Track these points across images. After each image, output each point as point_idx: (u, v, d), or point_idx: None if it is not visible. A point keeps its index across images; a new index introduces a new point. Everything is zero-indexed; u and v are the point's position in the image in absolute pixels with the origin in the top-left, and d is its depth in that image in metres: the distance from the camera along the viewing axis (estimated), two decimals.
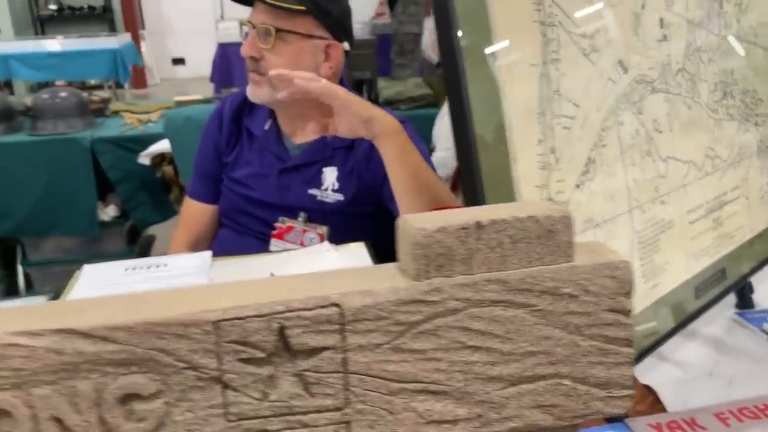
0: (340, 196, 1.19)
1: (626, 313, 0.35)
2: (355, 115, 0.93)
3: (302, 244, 1.20)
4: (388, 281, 0.34)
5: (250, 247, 1.21)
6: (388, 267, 0.36)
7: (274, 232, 1.20)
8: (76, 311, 0.32)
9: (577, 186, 0.62)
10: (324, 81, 0.92)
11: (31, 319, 0.32)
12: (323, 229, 1.20)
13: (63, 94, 2.20)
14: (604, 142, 0.65)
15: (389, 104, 2.35)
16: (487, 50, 0.53)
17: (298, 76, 0.91)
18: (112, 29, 6.99)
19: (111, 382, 0.32)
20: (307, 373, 0.33)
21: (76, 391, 0.32)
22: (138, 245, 2.49)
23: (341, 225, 1.20)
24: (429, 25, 2.08)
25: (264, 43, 1.11)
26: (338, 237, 1.18)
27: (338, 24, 1.15)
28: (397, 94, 2.55)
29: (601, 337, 0.35)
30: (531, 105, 0.57)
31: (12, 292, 2.30)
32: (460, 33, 0.50)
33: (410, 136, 1.16)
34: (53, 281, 2.35)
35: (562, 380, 0.36)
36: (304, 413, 0.34)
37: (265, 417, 0.33)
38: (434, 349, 0.34)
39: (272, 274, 1.03)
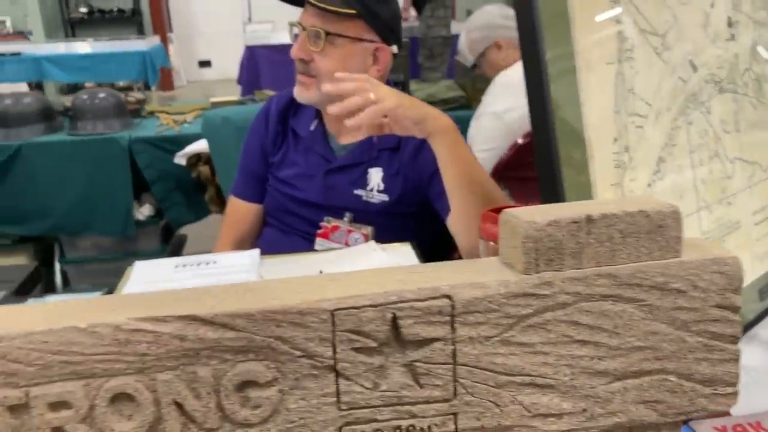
0: (385, 197, 1.20)
1: (734, 309, 0.35)
2: (408, 118, 0.93)
3: (347, 244, 1.21)
4: (497, 274, 0.34)
5: (295, 246, 1.22)
6: (490, 261, 0.37)
7: (320, 232, 1.21)
8: (193, 299, 0.33)
9: (649, 185, 0.62)
10: (373, 97, 0.92)
11: (153, 306, 0.32)
12: (368, 230, 1.20)
13: (102, 95, 2.24)
14: (674, 142, 0.64)
15: None
16: (567, 47, 0.53)
17: (366, 114, 0.90)
18: (141, 32, 7.10)
19: (229, 369, 0.32)
20: (417, 364, 0.34)
21: (197, 377, 0.32)
22: (171, 244, 2.52)
23: (386, 225, 1.20)
24: (466, 27, 2.07)
25: (313, 46, 1.12)
26: (382, 237, 1.18)
27: (388, 27, 1.16)
28: (429, 96, 2.55)
29: (707, 333, 0.35)
30: (607, 103, 0.57)
31: (48, 289, 2.34)
32: (541, 30, 0.50)
33: None
34: (89, 278, 2.39)
35: (667, 376, 0.36)
36: (413, 404, 0.34)
37: (375, 406, 0.34)
38: (542, 343, 0.34)
39: (321, 272, 1.03)
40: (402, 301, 0.33)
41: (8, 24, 7.12)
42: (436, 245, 1.32)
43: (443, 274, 0.34)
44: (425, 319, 0.33)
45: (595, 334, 0.34)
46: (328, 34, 1.11)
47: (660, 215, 0.34)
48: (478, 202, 0.96)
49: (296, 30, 1.17)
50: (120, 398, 0.32)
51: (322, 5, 1.10)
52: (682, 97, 0.65)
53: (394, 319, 0.33)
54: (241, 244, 1.30)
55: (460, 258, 1.29)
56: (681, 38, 0.65)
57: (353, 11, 1.11)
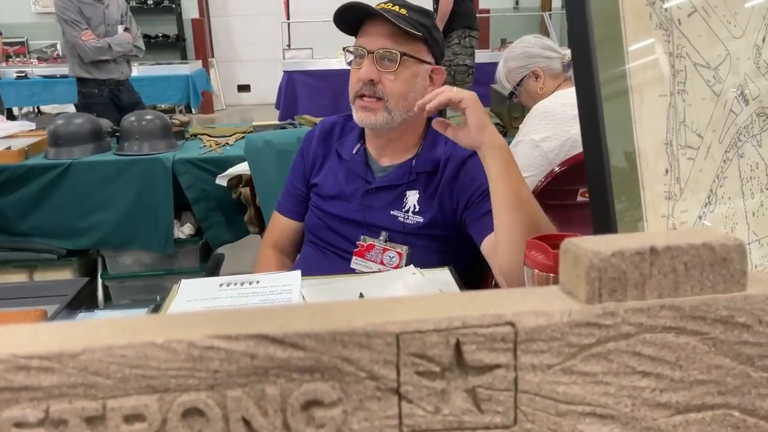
0: (419, 218, 1.22)
1: None
2: (476, 117, 1.00)
3: (382, 263, 1.22)
4: (561, 303, 0.35)
5: (331, 263, 1.24)
6: (552, 289, 0.37)
7: (356, 250, 1.23)
8: (263, 318, 0.34)
9: (700, 218, 0.62)
10: (454, 90, 1.01)
11: (226, 324, 0.34)
12: (403, 249, 1.21)
13: (148, 117, 2.32)
14: (725, 174, 0.64)
15: None
16: (621, 80, 0.53)
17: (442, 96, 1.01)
18: (184, 57, 7.32)
19: (296, 388, 0.33)
20: (479, 390, 0.34)
21: (264, 395, 0.33)
22: (209, 263, 2.56)
23: (421, 247, 1.22)
24: (504, 56, 2.09)
25: (385, 68, 1.14)
26: (418, 259, 1.19)
27: (440, 51, 1.21)
28: None
29: None
30: (659, 135, 0.57)
31: (91, 304, 2.40)
32: (596, 62, 0.51)
33: None
34: (129, 294, 2.45)
35: (730, 411, 0.35)
36: (474, 429, 0.34)
37: (436, 430, 0.34)
38: (604, 373, 0.34)
39: (361, 294, 1.04)
40: (466, 327, 0.33)
41: (58, 47, 7.44)
42: (471, 270, 1.33)
43: (506, 301, 0.35)
44: (488, 345, 0.34)
45: (658, 366, 0.34)
46: (403, 54, 1.14)
47: (725, 248, 0.34)
48: (523, 222, 0.97)
49: (354, 53, 1.19)
50: (191, 413, 0.33)
51: (400, 24, 1.12)
52: (733, 129, 0.65)
53: (458, 344, 0.34)
54: (281, 252, 1.35)
55: (495, 283, 1.29)
56: (733, 72, 0.65)
57: (420, 34, 1.15)
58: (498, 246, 1.03)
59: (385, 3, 1.18)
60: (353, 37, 1.21)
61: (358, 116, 1.19)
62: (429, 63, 1.19)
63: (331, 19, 1.17)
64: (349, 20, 1.17)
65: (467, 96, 1.00)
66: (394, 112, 1.16)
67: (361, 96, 1.16)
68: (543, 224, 0.98)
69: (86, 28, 3.50)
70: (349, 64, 1.20)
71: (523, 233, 0.97)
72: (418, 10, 1.18)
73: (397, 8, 1.16)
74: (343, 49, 1.22)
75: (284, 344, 0.33)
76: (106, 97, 3.60)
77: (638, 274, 0.34)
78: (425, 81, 1.19)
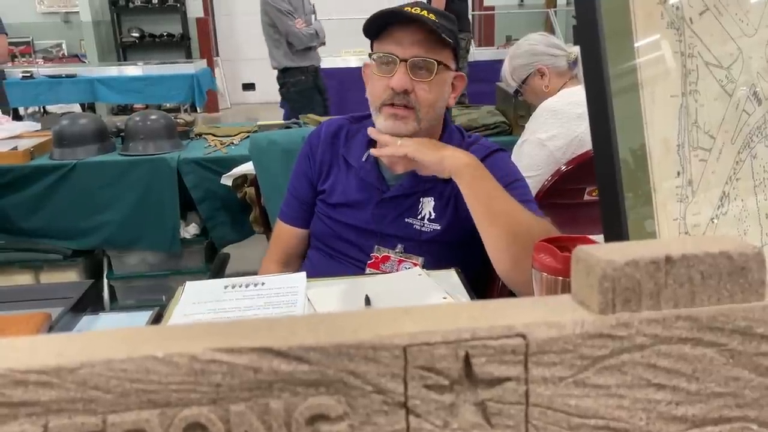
0: (436, 226, 1.20)
1: None
2: (424, 162, 1.06)
3: None
4: (572, 313, 0.34)
5: (340, 271, 1.22)
6: (563, 299, 0.36)
7: (370, 262, 1.21)
8: (266, 330, 0.33)
9: (712, 220, 0.60)
10: (395, 144, 1.10)
11: (229, 336, 0.33)
12: (419, 260, 1.19)
13: (153, 117, 2.31)
14: (738, 176, 0.63)
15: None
16: (631, 76, 0.52)
17: (386, 151, 1.11)
18: (189, 56, 7.33)
19: (301, 402, 0.33)
20: (489, 403, 0.33)
21: (268, 410, 0.32)
22: (214, 263, 2.56)
23: (436, 254, 1.20)
24: (509, 53, 2.08)
25: (420, 77, 1.10)
26: (432, 266, 1.18)
27: (460, 56, 1.18)
28: (471, 121, 2.55)
29: None
30: (671, 136, 0.56)
31: (96, 304, 2.40)
32: (606, 54, 0.50)
33: (508, 164, 1.17)
34: (135, 294, 2.45)
35: (748, 424, 0.34)
36: None
37: None
38: (618, 386, 0.33)
39: (367, 296, 1.03)
40: (475, 339, 0.33)
41: (63, 47, 7.46)
42: (480, 272, 1.31)
43: (516, 312, 0.34)
44: (498, 357, 0.33)
45: (673, 378, 0.33)
46: (439, 63, 1.11)
47: (743, 257, 0.33)
48: (502, 234, 0.98)
49: (383, 60, 1.12)
50: (193, 428, 0.32)
51: (439, 32, 1.08)
52: (746, 130, 0.64)
53: (467, 356, 0.33)
54: (287, 263, 1.32)
55: (502, 285, 1.28)
56: (745, 71, 0.64)
57: (451, 41, 1.11)
58: (490, 257, 1.03)
59: (411, 7, 1.12)
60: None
61: (387, 124, 1.12)
62: (453, 70, 1.16)
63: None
64: (376, 26, 1.12)
65: (405, 151, 1.07)
66: (423, 121, 1.13)
67: (391, 104, 1.11)
68: (535, 231, 0.95)
69: (298, 17, 3.57)
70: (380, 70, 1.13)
71: (505, 244, 0.99)
72: (444, 16, 1.14)
73: (425, 13, 1.10)
74: (370, 55, 1.15)
75: (288, 357, 0.32)
76: (312, 83, 3.65)
77: (653, 283, 0.33)
78: (449, 88, 1.16)
